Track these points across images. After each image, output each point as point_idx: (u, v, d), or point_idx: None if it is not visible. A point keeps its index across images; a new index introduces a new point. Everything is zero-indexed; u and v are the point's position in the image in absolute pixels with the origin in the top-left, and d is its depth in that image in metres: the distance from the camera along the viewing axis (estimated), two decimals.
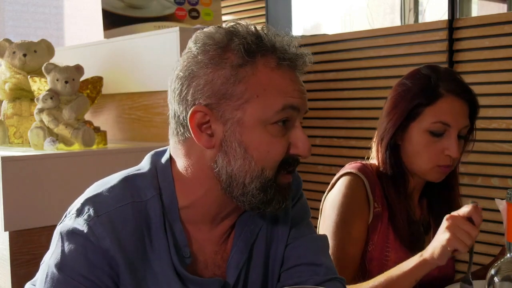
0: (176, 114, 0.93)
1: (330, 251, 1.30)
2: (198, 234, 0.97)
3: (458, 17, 2.18)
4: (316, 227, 1.44)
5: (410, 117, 1.34)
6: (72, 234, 0.88)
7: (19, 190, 1.69)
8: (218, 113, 0.89)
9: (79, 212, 0.90)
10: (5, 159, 1.67)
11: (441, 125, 1.30)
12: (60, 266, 0.87)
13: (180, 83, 0.92)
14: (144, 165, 0.98)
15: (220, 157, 0.90)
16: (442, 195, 1.43)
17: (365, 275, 1.35)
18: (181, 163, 0.95)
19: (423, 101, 1.32)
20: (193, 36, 0.94)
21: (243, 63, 0.89)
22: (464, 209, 1.16)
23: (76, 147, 1.91)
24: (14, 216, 1.67)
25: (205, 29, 0.94)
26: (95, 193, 0.93)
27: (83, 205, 0.91)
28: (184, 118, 0.91)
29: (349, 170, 1.38)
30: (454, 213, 1.17)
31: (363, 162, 1.42)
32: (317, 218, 1.46)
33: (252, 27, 0.93)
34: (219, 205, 0.95)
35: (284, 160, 0.92)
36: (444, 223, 1.16)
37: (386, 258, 1.35)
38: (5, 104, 2.18)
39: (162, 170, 0.96)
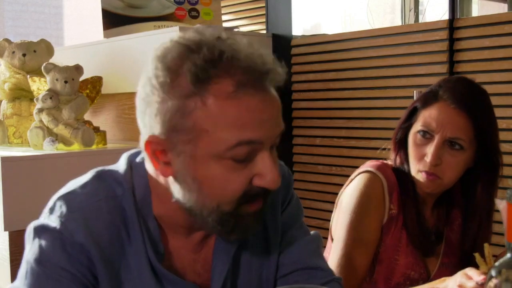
0: (141, 133, 0.88)
1: (338, 256, 1.30)
2: (174, 240, 0.95)
3: (458, 17, 2.17)
4: (316, 227, 1.43)
5: (411, 120, 1.35)
6: (45, 230, 0.87)
7: (19, 190, 1.69)
8: (171, 144, 0.83)
9: (52, 210, 0.89)
10: (5, 159, 1.67)
11: (426, 129, 1.29)
12: (39, 260, 0.86)
13: (139, 104, 0.87)
14: (119, 162, 0.97)
15: (176, 188, 0.86)
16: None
17: (372, 275, 1.35)
18: (153, 174, 0.92)
19: (420, 104, 1.33)
20: (153, 51, 0.87)
21: (191, 93, 0.80)
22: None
23: (76, 147, 1.91)
24: (14, 216, 1.67)
25: (166, 44, 0.85)
26: (67, 190, 0.92)
27: (55, 203, 0.90)
28: (143, 142, 0.87)
29: (368, 168, 1.36)
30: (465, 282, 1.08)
31: (385, 161, 1.41)
32: (317, 218, 1.45)
33: (215, 40, 0.82)
34: (191, 221, 0.91)
35: (246, 193, 0.84)
36: (457, 277, 1.10)
37: (395, 262, 1.34)
38: (4, 104, 2.18)
39: (137, 167, 0.94)
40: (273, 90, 0.85)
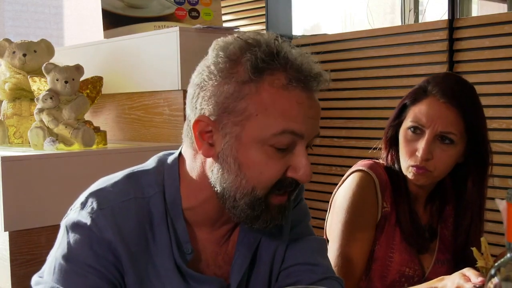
0: (188, 118, 0.95)
1: (334, 256, 1.31)
2: (200, 234, 0.98)
3: (458, 17, 2.18)
4: (316, 227, 1.44)
5: (401, 117, 1.36)
6: (76, 226, 0.91)
7: (19, 190, 1.69)
8: (219, 125, 0.89)
9: (83, 205, 0.93)
10: (5, 159, 1.67)
11: (416, 124, 1.30)
12: (67, 257, 0.90)
13: (193, 89, 0.93)
14: (150, 163, 1.00)
15: (216, 168, 0.91)
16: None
17: (368, 274, 1.35)
18: (188, 165, 0.96)
19: (409, 101, 1.34)
20: (213, 43, 0.94)
21: (248, 80, 0.87)
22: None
23: (76, 147, 1.91)
24: (14, 216, 1.67)
25: (226, 38, 0.92)
26: (99, 187, 0.95)
27: (87, 198, 0.94)
28: (190, 123, 0.93)
29: (360, 168, 1.38)
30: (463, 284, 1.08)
31: (376, 160, 1.41)
32: (318, 218, 1.46)
33: (273, 40, 0.90)
34: (220, 212, 0.96)
35: (279, 181, 0.90)
36: (455, 278, 1.10)
37: (390, 259, 1.35)
38: (5, 104, 2.18)
39: (169, 168, 0.97)
40: (316, 95, 0.93)
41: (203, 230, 0.98)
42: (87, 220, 0.90)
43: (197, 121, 0.91)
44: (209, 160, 0.92)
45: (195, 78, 0.93)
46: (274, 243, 1.04)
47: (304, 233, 1.09)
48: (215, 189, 0.92)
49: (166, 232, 0.94)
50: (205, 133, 0.91)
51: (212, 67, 0.90)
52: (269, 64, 0.87)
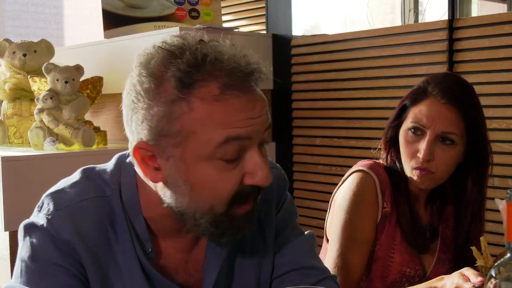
0: (129, 139, 0.89)
1: (334, 256, 1.31)
2: (164, 242, 0.94)
3: (458, 17, 2.17)
4: (316, 227, 1.44)
5: (401, 118, 1.36)
6: (33, 228, 0.89)
7: (19, 190, 1.69)
8: (159, 149, 0.83)
9: (40, 208, 0.91)
10: (5, 159, 1.67)
11: (417, 125, 1.30)
12: (32, 257, 0.87)
13: (126, 111, 0.87)
14: (110, 162, 0.97)
15: (168, 193, 0.86)
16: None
17: (368, 274, 1.35)
18: (141, 177, 0.91)
19: (409, 102, 1.34)
20: (135, 57, 0.87)
21: (177, 98, 0.80)
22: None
23: (76, 147, 1.91)
24: (14, 216, 1.67)
25: (148, 50, 0.85)
26: (56, 189, 0.93)
27: (43, 200, 0.92)
28: (131, 147, 0.87)
29: (360, 168, 1.38)
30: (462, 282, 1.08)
31: (376, 160, 1.41)
32: (318, 218, 1.46)
33: (197, 45, 0.83)
34: (181, 223, 0.91)
35: (238, 192, 0.84)
36: (454, 278, 1.11)
37: (390, 259, 1.35)
38: (5, 104, 2.19)
39: (126, 167, 0.93)
40: (258, 88, 0.86)
41: (167, 239, 0.94)
42: (44, 222, 0.88)
43: (136, 149, 0.85)
44: (159, 184, 0.87)
45: (125, 98, 0.86)
46: (258, 251, 1.00)
47: (293, 236, 1.05)
48: (172, 211, 0.87)
49: (127, 230, 0.90)
50: (148, 158, 0.85)
51: (138, 87, 0.83)
52: (196, 75, 0.80)
